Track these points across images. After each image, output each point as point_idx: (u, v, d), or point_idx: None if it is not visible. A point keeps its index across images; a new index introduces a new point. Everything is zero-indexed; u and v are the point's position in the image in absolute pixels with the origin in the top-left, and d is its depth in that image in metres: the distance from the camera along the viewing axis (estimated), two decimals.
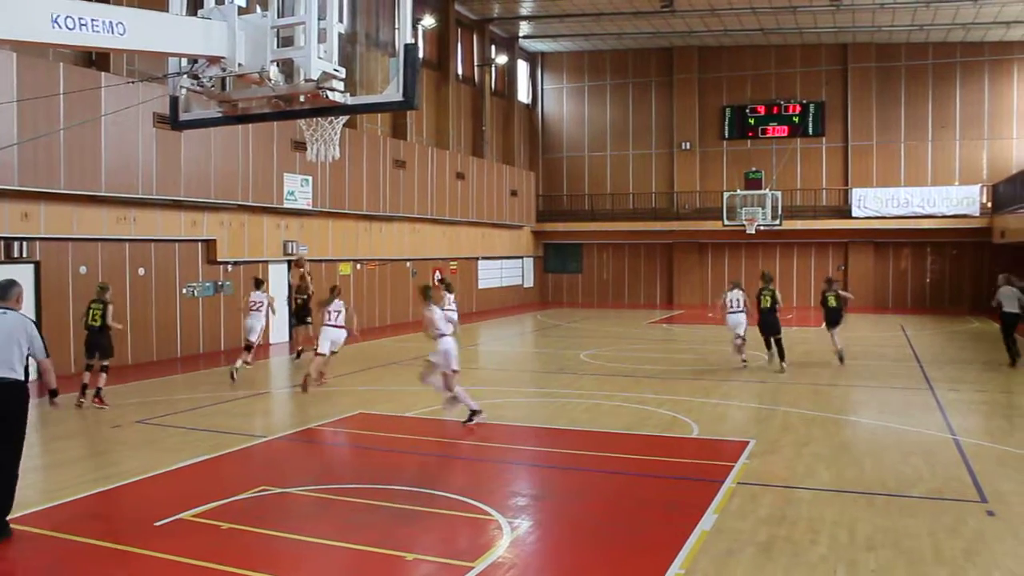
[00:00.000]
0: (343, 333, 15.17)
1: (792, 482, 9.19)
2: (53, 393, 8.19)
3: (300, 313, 19.47)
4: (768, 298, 17.95)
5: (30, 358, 7.73)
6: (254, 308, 16.65)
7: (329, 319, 14.98)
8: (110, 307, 13.40)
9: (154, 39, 6.12)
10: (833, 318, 18.61)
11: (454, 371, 11.92)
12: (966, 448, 10.72)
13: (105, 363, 13.43)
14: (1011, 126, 35.50)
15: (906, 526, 7.66)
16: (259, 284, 17.33)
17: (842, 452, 10.61)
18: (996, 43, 35.06)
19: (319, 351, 14.92)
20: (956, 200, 34.28)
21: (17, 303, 7.86)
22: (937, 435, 11.54)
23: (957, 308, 34.49)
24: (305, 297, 19.19)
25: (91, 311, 13.37)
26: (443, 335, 11.97)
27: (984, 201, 34.11)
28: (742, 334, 18.16)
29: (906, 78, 36.61)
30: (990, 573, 6.60)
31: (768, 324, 17.97)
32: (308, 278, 19.30)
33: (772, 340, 17.99)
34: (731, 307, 18.34)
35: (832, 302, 18.64)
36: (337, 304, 15.10)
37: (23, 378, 7.59)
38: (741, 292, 18.59)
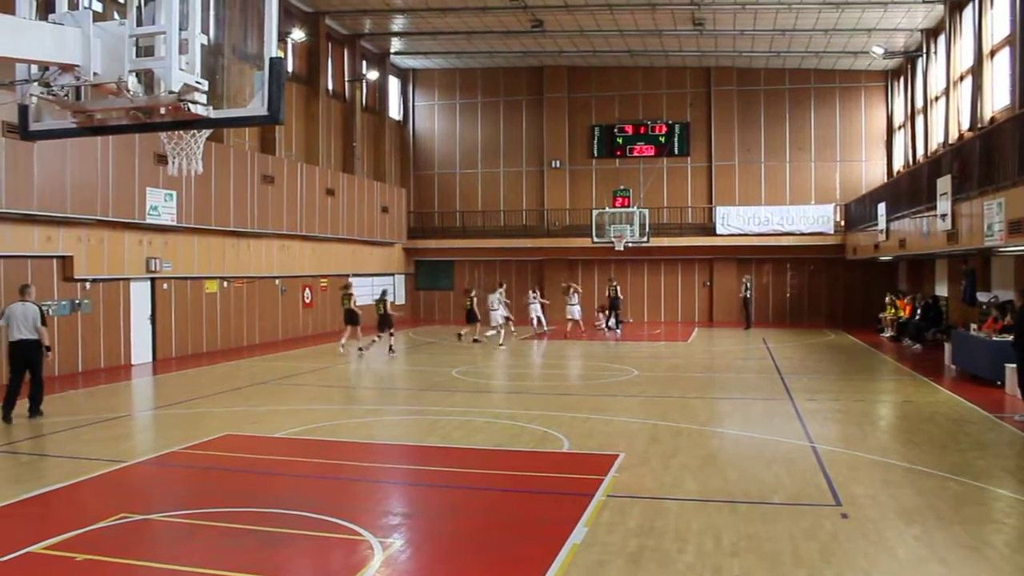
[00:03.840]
0: (501, 313, 27.77)
1: (660, 493, 9.39)
2: (47, 348, 13.95)
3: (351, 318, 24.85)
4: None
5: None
6: (492, 308, 28.20)
7: (491, 307, 27.89)
8: (387, 301, 24.43)
9: None
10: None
11: None
12: (823, 455, 11.20)
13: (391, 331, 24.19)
14: (860, 149, 37.55)
15: (767, 531, 7.94)
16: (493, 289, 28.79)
17: (708, 463, 10.91)
18: (846, 71, 37.03)
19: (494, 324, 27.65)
20: (812, 218, 35.94)
21: (30, 296, 13.96)
22: (796, 443, 12.01)
23: (815, 321, 36.11)
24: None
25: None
26: None
27: (838, 219, 35.95)
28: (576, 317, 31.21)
29: (765, 102, 38.22)
30: (844, 572, 6.89)
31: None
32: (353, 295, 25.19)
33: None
34: (570, 301, 31.27)
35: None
36: (490, 297, 28.25)
37: (37, 338, 13.62)
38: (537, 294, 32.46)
